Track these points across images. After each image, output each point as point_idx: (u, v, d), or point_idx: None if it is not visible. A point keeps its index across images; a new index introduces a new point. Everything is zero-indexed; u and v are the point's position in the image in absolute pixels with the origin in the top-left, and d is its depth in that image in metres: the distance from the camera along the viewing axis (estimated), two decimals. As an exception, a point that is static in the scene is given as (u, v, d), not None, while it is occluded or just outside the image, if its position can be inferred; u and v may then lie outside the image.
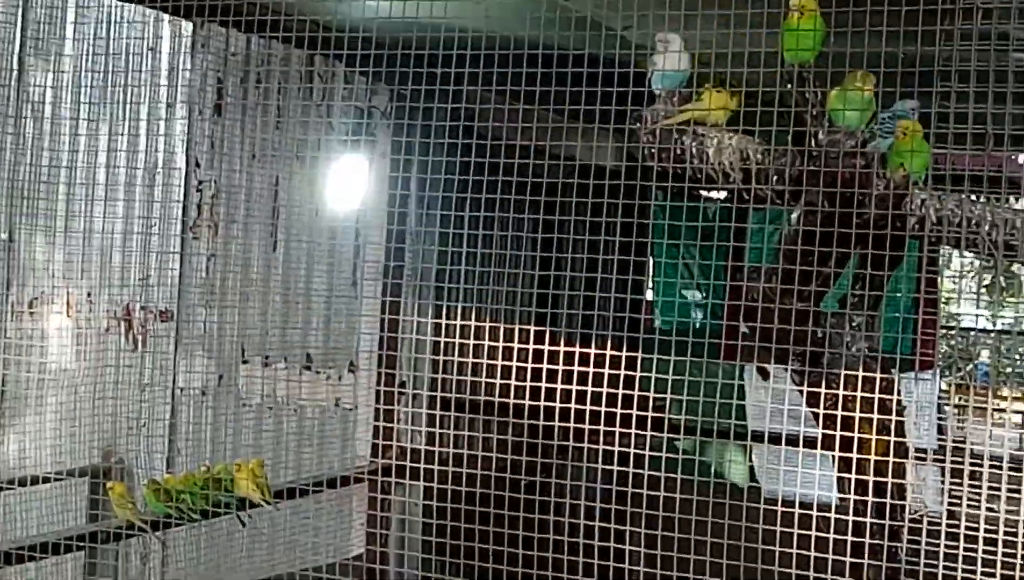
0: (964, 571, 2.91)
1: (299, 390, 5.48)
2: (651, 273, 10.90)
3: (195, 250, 5.13)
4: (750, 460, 7.91)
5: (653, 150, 3.23)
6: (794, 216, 3.12)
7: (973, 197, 3.24)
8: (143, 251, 4.96)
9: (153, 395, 5.03)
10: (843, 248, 3.08)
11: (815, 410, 3.28)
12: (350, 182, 5.57)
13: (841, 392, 3.17)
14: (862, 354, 3.25)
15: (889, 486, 3.10)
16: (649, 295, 10.20)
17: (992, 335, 15.13)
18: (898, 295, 8.62)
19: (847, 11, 3.03)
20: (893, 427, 3.20)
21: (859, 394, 3.13)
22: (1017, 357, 17.92)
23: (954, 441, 3.28)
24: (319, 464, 5.46)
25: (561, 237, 3.83)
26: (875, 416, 3.10)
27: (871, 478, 3.06)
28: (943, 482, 3.23)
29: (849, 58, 3.01)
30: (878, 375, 3.25)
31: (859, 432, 3.17)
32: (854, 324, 3.28)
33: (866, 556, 3.08)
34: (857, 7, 2.99)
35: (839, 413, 3.12)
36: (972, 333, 16.94)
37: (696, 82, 3.31)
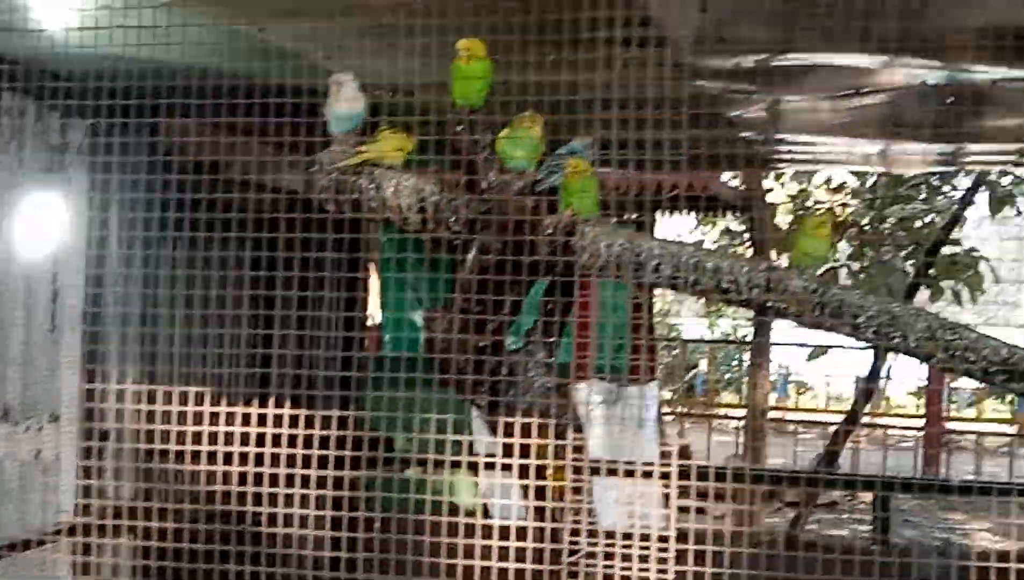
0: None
1: (-3, 444, 5.16)
2: (379, 294, 10.94)
3: None
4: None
5: (330, 192, 3.22)
6: (470, 255, 3.17)
7: (642, 233, 3.39)
8: None
9: None
10: (518, 284, 3.16)
11: (505, 439, 3.35)
12: (44, 223, 5.30)
13: (520, 420, 3.25)
14: (543, 384, 3.35)
15: (566, 508, 3.21)
16: (378, 317, 10.20)
17: (709, 345, 15.99)
18: (614, 316, 8.96)
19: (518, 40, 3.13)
20: (571, 451, 3.30)
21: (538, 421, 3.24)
22: (733, 362, 18.98)
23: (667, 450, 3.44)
24: (20, 521, 5.17)
25: (275, 274, 3.76)
26: (552, 442, 3.20)
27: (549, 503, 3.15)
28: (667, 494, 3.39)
29: (526, 91, 3.10)
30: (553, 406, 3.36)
31: (540, 457, 3.27)
32: (536, 356, 3.37)
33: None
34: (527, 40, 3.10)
35: (516, 440, 3.20)
36: (691, 343, 17.73)
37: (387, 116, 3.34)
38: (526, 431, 3.30)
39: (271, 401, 3.61)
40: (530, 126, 3.06)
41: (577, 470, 3.43)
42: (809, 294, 3.37)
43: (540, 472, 3.33)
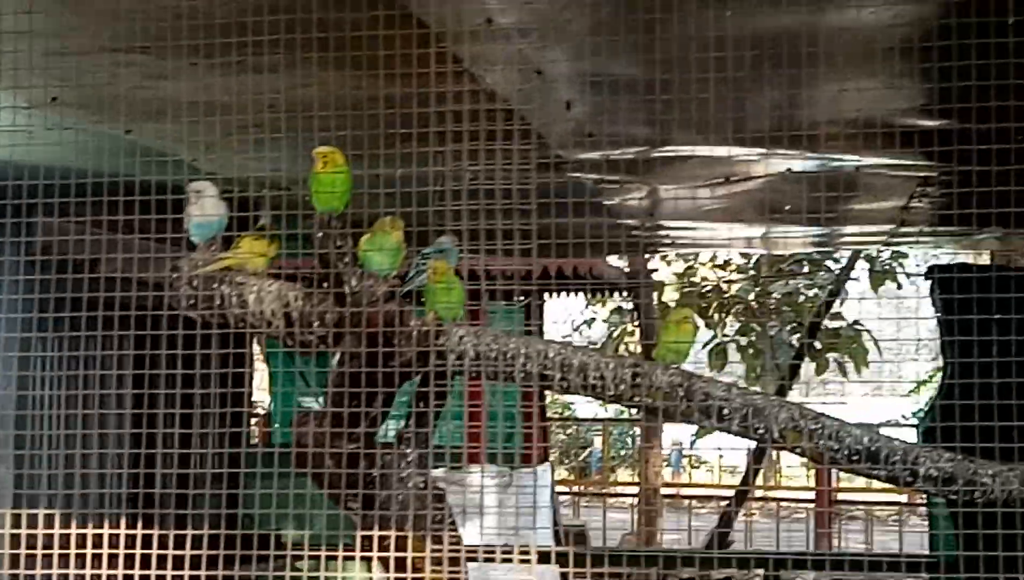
0: None
1: None
2: (268, 384, 10.80)
3: None
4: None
5: (193, 300, 3.19)
6: (335, 361, 3.16)
7: (508, 332, 3.42)
8: None
9: None
10: (387, 388, 3.16)
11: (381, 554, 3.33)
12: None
13: (394, 533, 3.23)
14: (416, 480, 3.34)
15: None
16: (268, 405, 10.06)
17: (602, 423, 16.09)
18: (504, 401, 8.98)
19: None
20: (447, 556, 3.28)
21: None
22: (629, 441, 19.12)
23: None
24: None
25: (158, 372, 3.70)
26: (428, 553, 3.18)
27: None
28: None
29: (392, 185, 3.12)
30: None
31: (415, 568, 3.25)
32: (408, 459, 3.35)
33: None
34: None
35: (392, 554, 3.18)
36: (584, 422, 17.81)
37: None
38: (400, 526, 3.27)
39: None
40: (390, 230, 3.08)
41: (454, 562, 3.40)
42: (674, 389, 3.41)
43: (416, 567, 3.29)
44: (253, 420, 11.23)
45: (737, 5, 3.18)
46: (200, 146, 3.50)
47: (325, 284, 3.13)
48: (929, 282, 6.44)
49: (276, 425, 9.73)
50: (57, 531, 3.59)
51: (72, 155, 4.06)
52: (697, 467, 19.54)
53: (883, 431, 3.80)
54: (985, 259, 10.19)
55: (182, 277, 3.20)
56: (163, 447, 3.85)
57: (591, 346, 15.93)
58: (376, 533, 3.23)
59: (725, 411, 3.44)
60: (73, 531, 3.61)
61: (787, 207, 6.35)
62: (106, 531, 3.51)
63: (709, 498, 15.33)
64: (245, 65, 3.24)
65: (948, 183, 5.48)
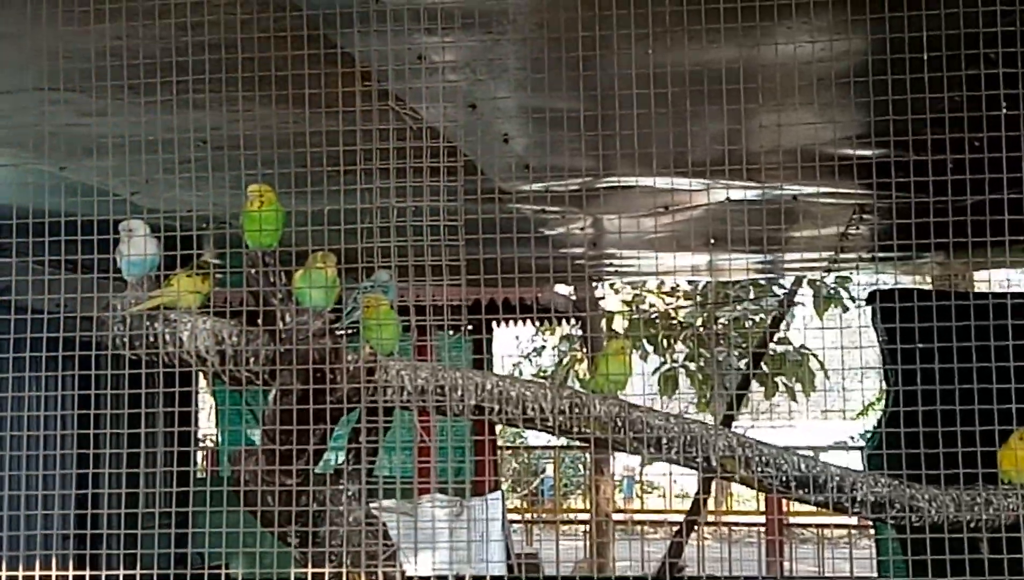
0: None
1: None
2: (215, 414, 10.72)
3: None
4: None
5: (125, 338, 3.17)
6: (271, 396, 3.15)
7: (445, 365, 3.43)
8: None
9: None
10: (323, 424, 3.15)
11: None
12: None
13: (342, 570, 3.21)
14: (355, 515, 3.32)
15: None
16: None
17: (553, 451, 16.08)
18: (454, 431, 8.97)
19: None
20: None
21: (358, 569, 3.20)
22: (580, 468, 19.11)
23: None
24: None
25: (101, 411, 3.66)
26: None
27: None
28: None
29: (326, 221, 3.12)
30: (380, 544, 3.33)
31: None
32: (347, 486, 3.34)
33: None
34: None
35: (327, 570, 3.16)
36: (536, 450, 17.77)
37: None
38: (339, 562, 3.26)
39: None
40: (322, 266, 3.07)
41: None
42: (612, 418, 3.43)
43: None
44: (200, 455, 11.13)
45: (663, 43, 3.22)
46: (133, 182, 3.48)
47: (259, 320, 3.11)
48: (871, 308, 6.52)
49: (224, 463, 9.64)
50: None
51: (6, 192, 4.04)
52: (649, 492, 19.57)
53: (831, 454, 3.85)
54: (927, 284, 10.33)
55: (115, 315, 3.17)
56: (108, 486, 3.81)
57: (537, 376, 15.97)
58: (313, 571, 3.21)
59: (663, 440, 3.46)
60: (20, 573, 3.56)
61: (713, 240, 6.41)
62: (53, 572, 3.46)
63: (661, 523, 15.34)
64: (177, 101, 3.23)
65: (885, 210, 5.57)
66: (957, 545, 3.42)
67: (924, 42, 3.02)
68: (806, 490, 3.55)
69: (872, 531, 10.12)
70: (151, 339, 3.16)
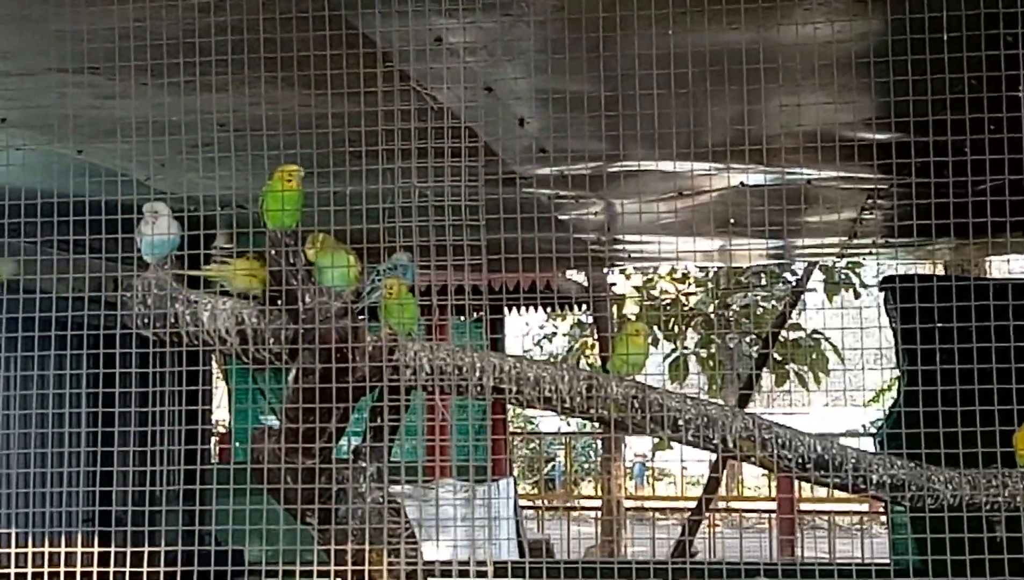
0: None
1: None
2: (229, 402, 10.76)
3: None
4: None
5: (146, 318, 3.19)
6: (291, 377, 3.17)
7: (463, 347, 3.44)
8: None
9: None
10: (343, 403, 3.16)
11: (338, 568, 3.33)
12: None
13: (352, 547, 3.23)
14: (375, 495, 3.34)
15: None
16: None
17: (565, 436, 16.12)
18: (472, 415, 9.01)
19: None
20: (404, 570, 3.29)
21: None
22: (591, 454, 19.15)
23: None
24: None
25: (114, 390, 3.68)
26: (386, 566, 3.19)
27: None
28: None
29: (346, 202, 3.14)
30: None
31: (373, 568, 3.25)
32: (365, 475, 3.36)
33: None
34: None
35: (350, 568, 3.18)
36: (547, 436, 17.82)
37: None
38: (358, 541, 3.28)
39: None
40: (323, 247, 3.08)
41: (411, 576, 3.40)
42: (629, 400, 3.44)
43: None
44: (213, 438, 11.17)
45: (682, 24, 3.22)
46: (151, 165, 3.50)
47: (279, 301, 3.13)
48: (883, 294, 6.53)
49: (236, 442, 9.69)
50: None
51: (23, 175, 4.06)
52: (660, 480, 19.59)
53: (843, 441, 3.86)
54: (939, 270, 10.32)
55: (135, 295, 3.20)
56: (123, 465, 3.84)
57: (550, 359, 15.98)
58: (334, 548, 3.23)
59: (679, 422, 3.47)
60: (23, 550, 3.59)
61: (731, 221, 6.41)
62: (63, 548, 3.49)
63: (673, 510, 15.36)
64: (195, 84, 3.25)
65: (900, 194, 5.56)
66: (973, 527, 3.44)
67: (944, 22, 3.02)
68: (823, 471, 3.56)
69: (883, 519, 10.13)
70: (171, 319, 3.18)
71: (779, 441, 3.55)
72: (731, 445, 3.52)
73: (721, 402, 3.75)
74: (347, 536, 3.30)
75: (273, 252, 3.07)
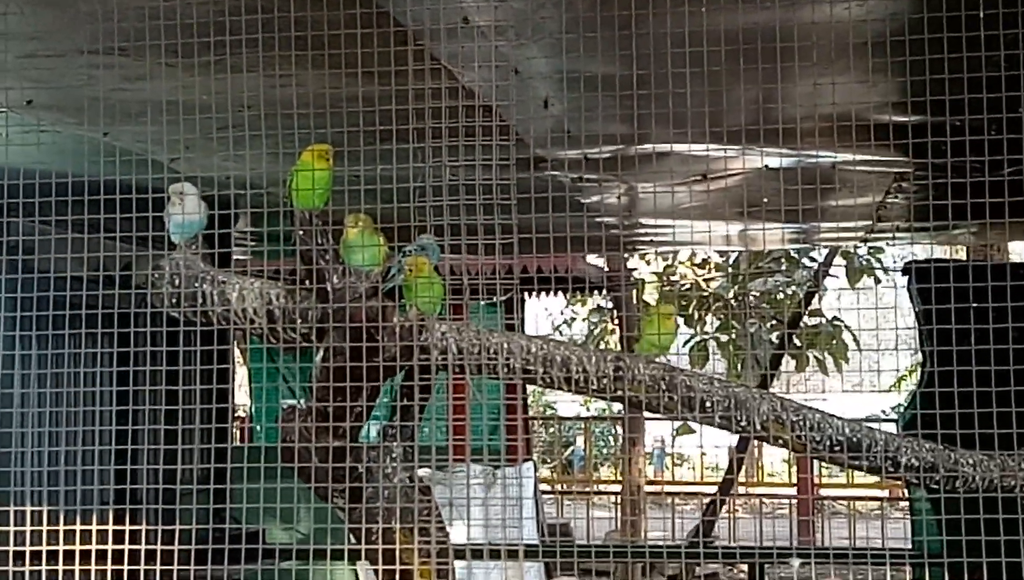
0: None
1: None
2: (249, 384, 10.80)
3: None
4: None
5: (175, 298, 3.19)
6: (318, 357, 3.17)
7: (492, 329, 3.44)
8: None
9: None
10: (371, 383, 3.16)
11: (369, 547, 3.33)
12: None
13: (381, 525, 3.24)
14: (403, 475, 3.35)
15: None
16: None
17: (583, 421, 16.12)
18: (488, 398, 9.00)
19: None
20: (434, 548, 3.29)
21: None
22: (611, 439, 19.17)
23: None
24: None
25: (138, 369, 3.69)
26: (416, 546, 3.19)
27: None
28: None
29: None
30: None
31: (403, 562, 3.25)
32: (393, 455, 3.36)
33: None
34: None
35: (380, 547, 3.19)
36: (567, 421, 17.83)
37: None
38: (387, 520, 3.28)
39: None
40: (360, 227, 3.07)
41: (441, 554, 3.41)
42: (657, 381, 3.43)
43: (404, 560, 3.30)
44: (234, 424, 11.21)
45: (711, 2, 3.20)
46: (178, 147, 3.50)
47: (307, 281, 3.13)
48: (906, 278, 6.49)
49: (257, 424, 9.72)
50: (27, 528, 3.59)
51: (49, 157, 4.06)
52: (679, 465, 19.59)
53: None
54: (961, 255, 10.26)
55: (164, 276, 3.20)
56: (146, 444, 3.86)
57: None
58: (363, 526, 3.24)
59: (707, 403, 3.46)
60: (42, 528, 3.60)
61: (764, 200, 6.37)
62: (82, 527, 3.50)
63: (692, 495, 15.37)
64: (222, 65, 3.24)
65: (923, 178, 5.53)
66: (994, 508, 3.43)
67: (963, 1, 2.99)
68: (850, 454, 3.54)
69: (902, 504, 10.12)
70: (200, 300, 3.18)
71: (807, 423, 3.53)
72: (759, 427, 3.50)
73: (747, 385, 3.74)
74: (376, 516, 3.30)
75: (301, 233, 3.07)
